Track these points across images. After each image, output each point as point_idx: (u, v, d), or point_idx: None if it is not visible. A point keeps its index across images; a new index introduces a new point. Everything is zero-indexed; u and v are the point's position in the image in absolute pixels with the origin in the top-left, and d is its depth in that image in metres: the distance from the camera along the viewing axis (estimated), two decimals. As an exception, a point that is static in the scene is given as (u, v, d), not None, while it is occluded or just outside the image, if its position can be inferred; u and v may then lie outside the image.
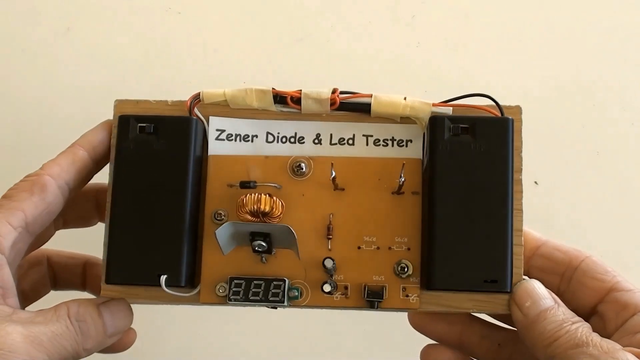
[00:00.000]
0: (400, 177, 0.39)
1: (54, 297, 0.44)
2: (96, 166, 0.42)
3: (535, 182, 0.60)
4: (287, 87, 0.43)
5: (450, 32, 0.62)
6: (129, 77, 0.61)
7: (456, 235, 0.38)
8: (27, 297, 0.45)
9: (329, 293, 0.39)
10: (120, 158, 0.40)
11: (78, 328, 0.38)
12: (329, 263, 0.39)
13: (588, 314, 0.39)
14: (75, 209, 0.44)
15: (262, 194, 0.39)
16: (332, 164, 0.39)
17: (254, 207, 0.39)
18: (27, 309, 0.40)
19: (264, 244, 0.37)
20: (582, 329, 0.36)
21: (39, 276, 0.46)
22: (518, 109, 0.41)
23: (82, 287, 0.47)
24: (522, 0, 0.63)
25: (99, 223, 0.46)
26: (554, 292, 0.39)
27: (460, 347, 0.42)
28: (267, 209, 0.39)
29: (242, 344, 0.58)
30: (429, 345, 0.42)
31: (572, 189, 0.59)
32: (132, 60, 0.62)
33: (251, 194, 0.39)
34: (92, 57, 0.62)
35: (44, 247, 0.45)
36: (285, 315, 0.57)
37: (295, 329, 0.58)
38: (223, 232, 0.36)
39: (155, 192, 0.39)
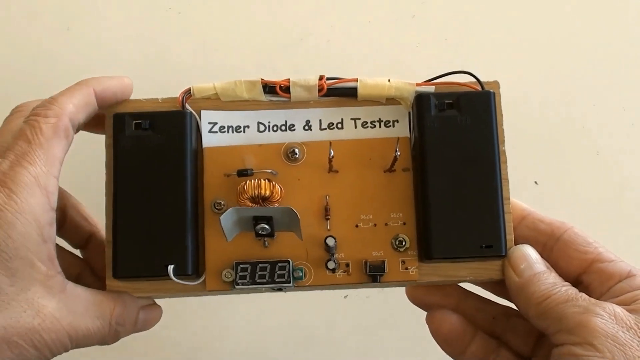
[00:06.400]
0: (396, 151, 0.40)
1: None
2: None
3: (535, 182, 0.60)
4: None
5: (450, 32, 0.62)
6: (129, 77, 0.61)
7: (450, 206, 0.39)
8: None
9: (332, 270, 0.40)
10: (119, 156, 0.41)
11: (114, 331, 0.40)
12: (331, 241, 0.40)
13: (572, 284, 0.40)
14: None
15: (262, 179, 0.40)
16: (330, 142, 0.41)
17: (254, 193, 0.40)
18: None
19: (267, 227, 0.38)
20: (572, 289, 0.38)
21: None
22: (496, 84, 0.43)
23: (80, 248, 0.46)
24: (522, 0, 0.63)
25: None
26: None
27: None
28: (267, 193, 0.40)
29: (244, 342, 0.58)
30: (435, 309, 0.43)
31: (572, 189, 0.59)
32: (132, 61, 0.62)
33: (251, 180, 0.40)
34: (92, 57, 0.62)
35: (66, 194, 0.45)
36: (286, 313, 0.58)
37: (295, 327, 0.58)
38: (227, 218, 0.37)
39: (155, 186, 0.40)
